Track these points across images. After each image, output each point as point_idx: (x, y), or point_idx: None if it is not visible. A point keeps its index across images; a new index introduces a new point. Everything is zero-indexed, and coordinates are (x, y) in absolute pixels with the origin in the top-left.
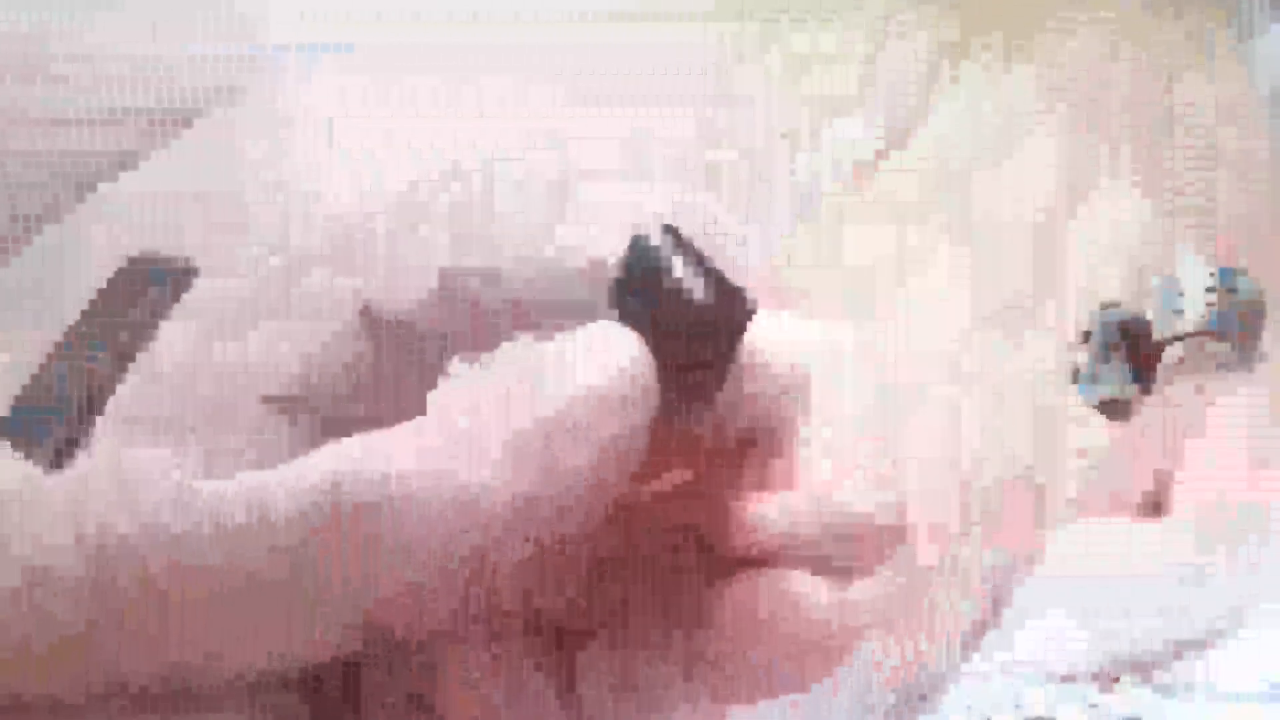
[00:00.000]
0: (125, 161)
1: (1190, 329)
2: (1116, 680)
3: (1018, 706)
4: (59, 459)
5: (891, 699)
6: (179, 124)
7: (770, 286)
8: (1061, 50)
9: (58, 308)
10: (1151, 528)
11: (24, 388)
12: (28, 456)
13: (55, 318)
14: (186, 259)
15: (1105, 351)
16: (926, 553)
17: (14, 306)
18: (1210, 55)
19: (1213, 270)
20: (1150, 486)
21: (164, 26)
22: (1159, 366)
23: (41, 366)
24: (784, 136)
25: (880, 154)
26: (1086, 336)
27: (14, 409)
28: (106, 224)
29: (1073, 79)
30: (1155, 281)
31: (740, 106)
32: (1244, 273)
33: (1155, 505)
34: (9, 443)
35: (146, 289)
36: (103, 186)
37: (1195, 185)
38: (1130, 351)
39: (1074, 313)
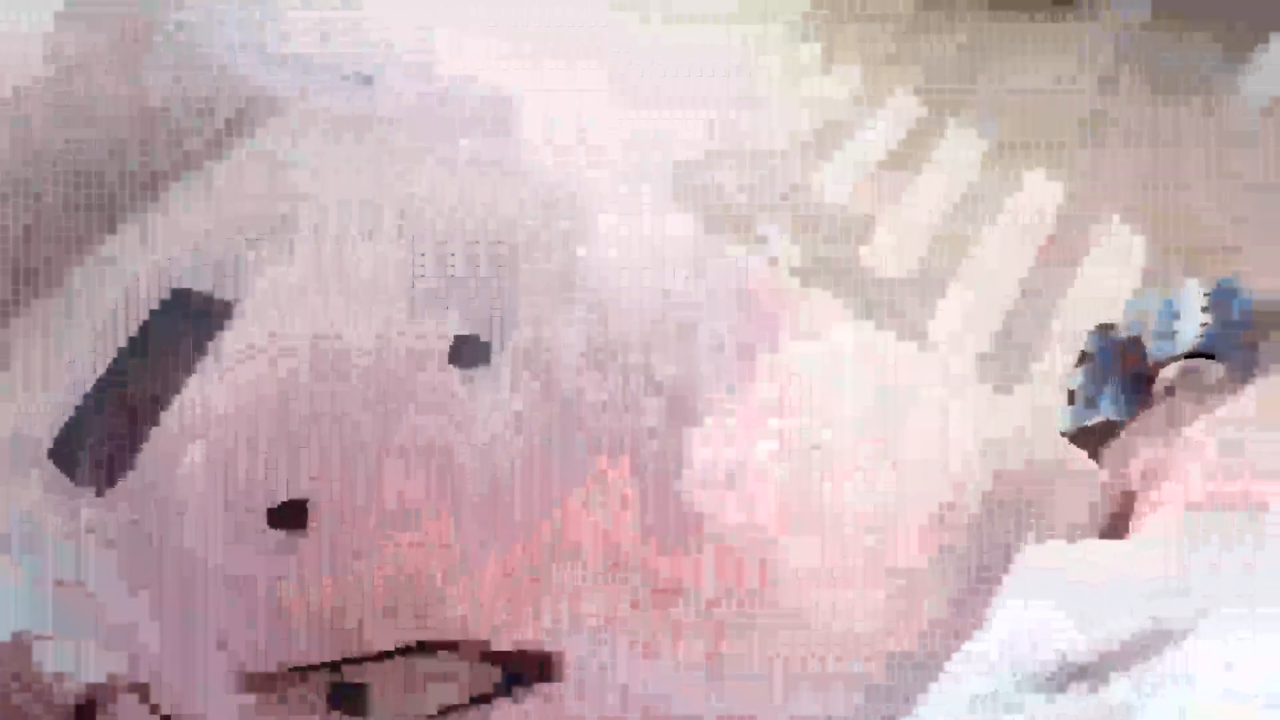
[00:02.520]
0: (157, 182)
1: (1185, 350)
2: (1103, 678)
3: (1006, 706)
4: (105, 483)
5: (884, 696)
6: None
7: (770, 287)
8: (1063, 75)
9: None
10: (1137, 533)
11: (70, 418)
12: (73, 481)
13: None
14: (222, 300)
15: (1102, 373)
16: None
17: (39, 327)
18: (1208, 72)
19: (1207, 290)
20: (1128, 504)
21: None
22: (1153, 388)
23: (86, 397)
24: (792, 139)
25: (890, 159)
26: (1083, 358)
27: (58, 440)
28: (143, 251)
29: (1074, 103)
30: (1149, 303)
31: (748, 109)
32: (1238, 288)
33: (1122, 520)
34: (55, 468)
35: (188, 324)
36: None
37: (1191, 203)
38: (1125, 373)
39: (1072, 336)
